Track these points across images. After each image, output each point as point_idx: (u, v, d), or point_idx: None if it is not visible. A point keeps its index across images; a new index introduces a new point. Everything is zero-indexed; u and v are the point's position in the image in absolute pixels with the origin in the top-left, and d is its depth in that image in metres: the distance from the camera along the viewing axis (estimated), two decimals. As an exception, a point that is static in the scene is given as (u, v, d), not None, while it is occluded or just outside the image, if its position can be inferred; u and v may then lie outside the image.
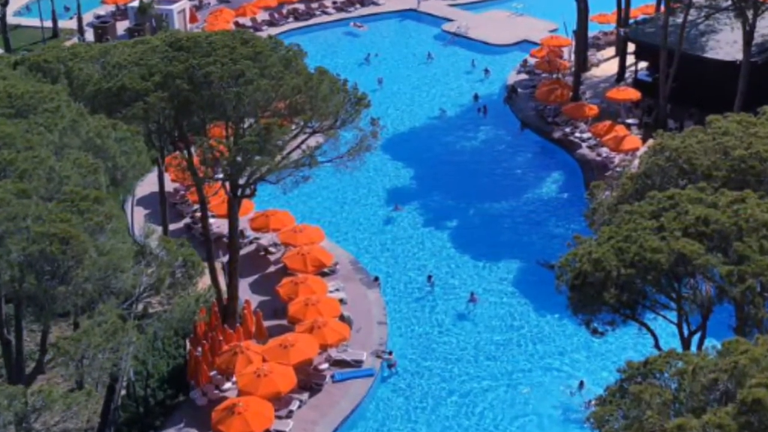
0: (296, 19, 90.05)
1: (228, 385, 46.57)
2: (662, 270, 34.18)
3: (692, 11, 66.51)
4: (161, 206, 56.13)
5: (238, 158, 43.99)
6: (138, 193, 58.45)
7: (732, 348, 27.93)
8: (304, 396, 46.06)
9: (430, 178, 65.60)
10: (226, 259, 51.88)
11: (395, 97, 76.38)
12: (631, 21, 77.01)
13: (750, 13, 61.35)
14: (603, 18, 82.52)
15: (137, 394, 45.75)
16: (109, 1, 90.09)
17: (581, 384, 47.09)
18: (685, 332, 36.94)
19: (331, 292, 52.31)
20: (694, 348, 35.96)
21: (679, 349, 32.80)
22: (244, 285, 52.66)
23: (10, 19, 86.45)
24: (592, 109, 69.05)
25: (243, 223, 54.90)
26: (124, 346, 36.26)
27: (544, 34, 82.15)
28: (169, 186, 59.84)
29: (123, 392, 45.89)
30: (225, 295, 49.98)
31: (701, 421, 25.63)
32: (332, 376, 47.38)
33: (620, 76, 74.83)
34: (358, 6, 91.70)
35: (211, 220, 54.89)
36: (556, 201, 63.14)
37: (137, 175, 44.67)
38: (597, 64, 78.24)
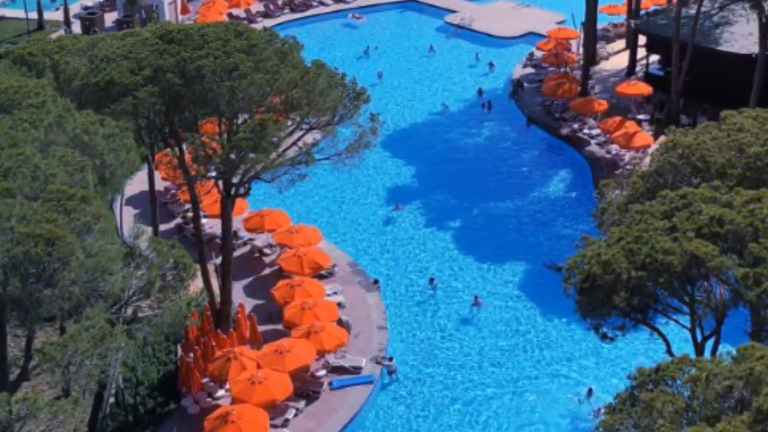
0: (292, 10, 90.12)
1: (221, 392, 46.59)
2: (675, 272, 34.21)
3: (706, 2, 66.58)
4: (151, 206, 56.14)
5: (232, 156, 44.00)
6: (127, 192, 58.49)
7: (747, 354, 27.97)
8: (301, 404, 46.08)
9: (432, 177, 65.63)
10: (219, 261, 51.92)
11: (396, 92, 76.42)
12: (642, 12, 77.11)
13: (767, 4, 61.36)
14: (613, 9, 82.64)
15: (126, 402, 45.77)
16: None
17: (590, 391, 47.12)
18: (699, 337, 36.98)
19: (328, 295, 52.35)
20: (707, 354, 36.00)
21: (692, 355, 32.87)
22: (237, 288, 52.69)
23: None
24: (602, 105, 69.08)
25: (237, 223, 54.92)
26: (112, 351, 36.29)
27: (551, 26, 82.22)
28: (160, 185, 59.86)
29: (111, 400, 45.91)
30: (218, 299, 50.01)
31: (715, 430, 25.68)
32: (330, 384, 47.40)
33: (631, 70, 74.88)
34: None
35: (204, 221, 54.91)
36: (564, 200, 63.15)
37: (126, 173, 44.68)
38: (606, 58, 78.31)
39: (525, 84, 75.40)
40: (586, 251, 36.69)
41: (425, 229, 60.36)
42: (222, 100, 43.24)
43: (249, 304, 51.91)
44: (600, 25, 78.00)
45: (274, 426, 44.27)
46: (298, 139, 46.78)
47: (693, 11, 66.33)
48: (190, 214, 56.83)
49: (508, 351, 50.59)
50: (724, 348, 33.38)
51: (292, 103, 45.05)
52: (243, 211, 57.07)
